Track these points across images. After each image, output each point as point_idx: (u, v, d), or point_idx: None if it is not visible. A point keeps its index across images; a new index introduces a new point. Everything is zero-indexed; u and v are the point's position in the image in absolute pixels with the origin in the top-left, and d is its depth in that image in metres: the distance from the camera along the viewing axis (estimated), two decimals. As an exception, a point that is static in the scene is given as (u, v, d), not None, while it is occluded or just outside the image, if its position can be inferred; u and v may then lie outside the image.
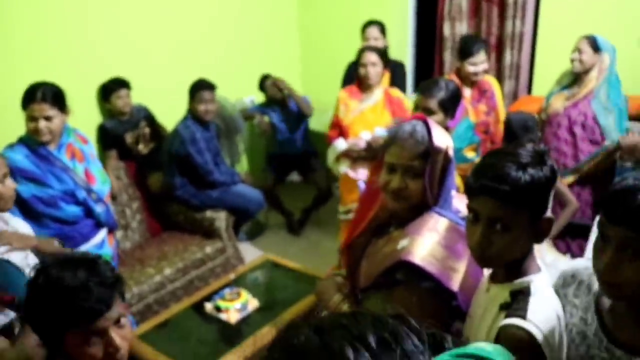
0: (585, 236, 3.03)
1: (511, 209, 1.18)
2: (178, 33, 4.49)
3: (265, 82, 4.67)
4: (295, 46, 5.70)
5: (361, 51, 3.45)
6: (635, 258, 1.07)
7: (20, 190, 2.49)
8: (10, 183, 2.10)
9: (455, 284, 1.46)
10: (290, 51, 5.63)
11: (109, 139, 3.90)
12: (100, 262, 1.35)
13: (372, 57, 3.36)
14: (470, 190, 1.25)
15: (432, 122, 1.61)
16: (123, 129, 3.93)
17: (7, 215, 2.21)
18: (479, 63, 3.38)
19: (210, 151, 3.93)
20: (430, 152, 1.52)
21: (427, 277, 1.45)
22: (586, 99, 3.28)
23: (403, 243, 1.54)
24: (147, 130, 4.05)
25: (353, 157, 3.41)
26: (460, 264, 1.50)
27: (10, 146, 2.62)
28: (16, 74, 3.33)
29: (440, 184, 1.58)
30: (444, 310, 1.49)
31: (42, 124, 2.55)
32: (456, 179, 2.43)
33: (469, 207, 1.26)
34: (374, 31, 3.96)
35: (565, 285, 1.43)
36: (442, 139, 1.55)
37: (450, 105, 2.53)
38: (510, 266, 1.27)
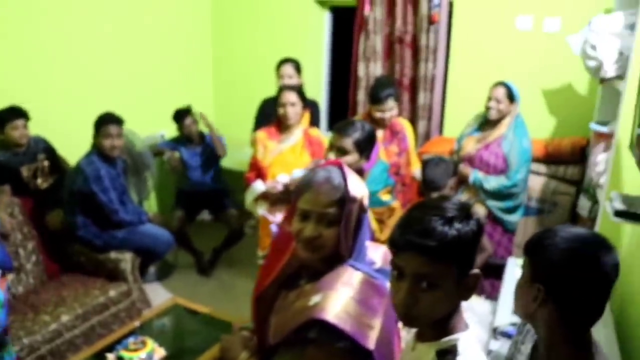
0: (496, 275, 3.09)
1: (438, 265, 1.13)
2: (85, 61, 4.30)
3: (184, 116, 4.50)
4: (208, 81, 5.60)
5: (280, 90, 3.39)
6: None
7: None
8: None
9: (371, 342, 1.39)
10: (203, 86, 5.52)
11: (2, 173, 3.60)
12: None
13: (291, 97, 3.30)
14: (394, 246, 1.18)
15: (348, 169, 1.56)
16: (19, 162, 3.64)
17: None
18: (387, 110, 3.42)
19: (116, 189, 3.70)
20: (345, 200, 1.47)
21: (341, 336, 1.36)
22: (496, 141, 3.39)
23: (315, 299, 1.45)
24: (46, 163, 3.77)
25: (271, 199, 3.31)
26: (375, 320, 1.43)
27: None
28: None
29: (354, 235, 1.51)
30: None
31: None
32: (372, 223, 2.40)
33: (393, 264, 1.19)
34: (288, 69, 3.92)
35: (518, 333, 1.60)
36: (357, 187, 1.50)
37: (366, 145, 2.51)
38: (437, 324, 1.21)
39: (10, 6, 3.77)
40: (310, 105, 3.92)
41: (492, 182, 3.39)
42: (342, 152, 2.49)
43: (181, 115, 4.52)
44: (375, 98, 3.41)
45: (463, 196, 3.45)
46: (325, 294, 1.44)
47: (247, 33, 5.31)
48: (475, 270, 1.18)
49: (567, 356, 1.34)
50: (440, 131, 4.58)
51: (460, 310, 1.24)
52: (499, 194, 3.40)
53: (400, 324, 1.57)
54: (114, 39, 4.50)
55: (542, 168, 3.92)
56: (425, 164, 3.11)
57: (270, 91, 3.97)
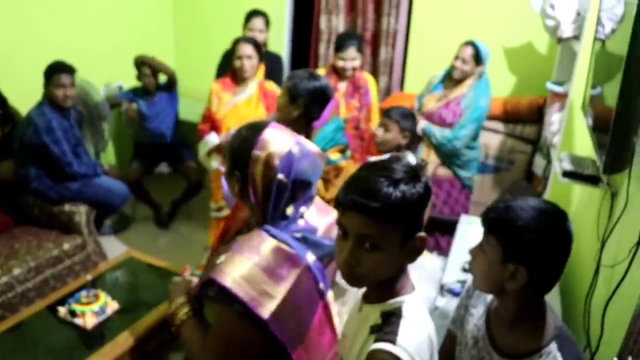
0: (452, 231, 3.15)
1: (381, 226, 1.11)
2: (38, 6, 4.10)
3: (140, 65, 4.38)
4: (169, 32, 5.44)
5: (236, 42, 3.32)
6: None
7: None
8: None
9: (266, 310, 1.42)
10: (164, 37, 5.36)
11: None
12: None
13: (247, 49, 3.24)
14: (339, 205, 1.17)
15: (274, 125, 1.56)
16: None
17: None
18: (349, 59, 3.39)
19: (69, 141, 3.61)
20: (247, 159, 1.49)
21: (235, 300, 1.41)
22: (456, 99, 3.39)
23: (221, 259, 1.49)
24: None
25: (225, 152, 3.27)
26: (278, 289, 1.45)
27: None
28: None
29: (265, 197, 1.51)
30: (257, 335, 1.45)
31: None
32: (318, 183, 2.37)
33: (339, 223, 1.18)
34: (259, 22, 3.81)
35: (467, 296, 1.60)
36: (265, 145, 1.49)
37: (310, 100, 2.44)
38: (382, 285, 1.21)
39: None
40: (273, 59, 3.85)
41: (437, 134, 3.39)
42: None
43: (137, 65, 4.39)
44: (338, 46, 3.38)
45: (422, 151, 3.45)
46: (229, 255, 1.47)
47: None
48: (422, 233, 1.17)
49: (534, 318, 1.37)
50: (401, 87, 4.57)
51: (407, 272, 1.24)
52: (448, 150, 3.40)
53: (331, 296, 1.59)
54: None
55: (500, 126, 3.97)
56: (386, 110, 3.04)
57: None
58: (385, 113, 2.90)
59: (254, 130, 1.53)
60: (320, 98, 2.42)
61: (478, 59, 3.35)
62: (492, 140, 3.95)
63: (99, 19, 4.55)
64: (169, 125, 4.50)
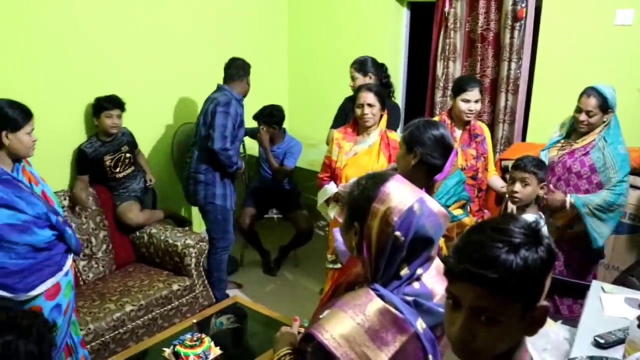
0: (574, 295, 2.84)
1: (500, 299, 0.96)
2: (168, 57, 4.35)
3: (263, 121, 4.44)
4: (284, 80, 5.56)
5: (358, 90, 3.26)
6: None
7: None
8: None
9: None
10: (278, 85, 5.49)
11: (87, 163, 3.71)
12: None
13: (369, 97, 3.15)
14: (450, 273, 1.02)
15: (398, 178, 1.46)
16: (104, 152, 3.74)
17: None
18: (472, 101, 3.22)
19: None
20: (365, 209, 1.41)
21: (332, 359, 1.32)
22: (583, 147, 3.10)
23: (325, 313, 1.41)
24: (128, 155, 3.85)
25: (343, 202, 3.19)
26: (380, 354, 1.32)
27: None
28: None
29: (379, 254, 1.39)
30: None
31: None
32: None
33: (448, 292, 1.04)
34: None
35: None
36: (386, 198, 1.39)
37: (429, 150, 2.30)
38: (498, 359, 1.04)
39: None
40: (391, 108, 3.75)
41: (594, 200, 3.02)
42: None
43: (261, 114, 4.46)
44: (461, 87, 3.24)
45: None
46: (333, 311, 1.39)
47: (323, 31, 5.22)
48: (544, 302, 1.00)
49: None
50: (524, 137, 4.31)
51: (525, 343, 1.07)
52: (603, 210, 3.05)
53: None
54: (196, 38, 4.55)
55: (638, 180, 3.57)
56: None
57: (346, 90, 3.87)
58: (517, 166, 2.71)
59: (375, 182, 1.44)
60: (439, 147, 2.27)
61: (605, 106, 3.01)
62: (629, 197, 3.57)
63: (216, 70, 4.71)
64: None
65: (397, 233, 1.36)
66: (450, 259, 1.01)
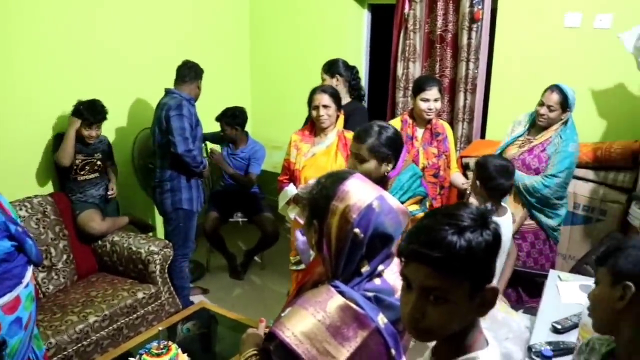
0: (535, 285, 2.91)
1: (446, 278, 1.01)
2: (125, 61, 4.28)
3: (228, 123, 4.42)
4: (245, 81, 5.53)
5: (312, 92, 3.28)
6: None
7: None
8: None
9: None
10: (241, 87, 5.46)
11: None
12: None
13: (324, 99, 3.18)
14: (402, 255, 1.08)
15: (358, 177, 1.49)
16: (78, 150, 3.69)
17: None
18: (432, 100, 3.27)
19: None
20: (322, 209, 1.43)
21: (294, 357, 1.33)
22: (541, 145, 3.20)
23: (286, 312, 1.42)
24: (98, 163, 3.80)
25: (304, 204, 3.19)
26: (342, 350, 1.34)
27: None
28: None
29: (338, 251, 1.41)
30: None
31: None
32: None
33: (402, 274, 1.09)
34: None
35: (579, 352, 1.62)
36: (345, 196, 1.42)
37: (385, 152, 2.35)
38: (452, 341, 1.10)
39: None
40: (358, 111, 3.76)
41: (526, 180, 3.19)
42: (360, 159, 2.36)
43: (222, 116, 4.44)
44: (420, 87, 3.30)
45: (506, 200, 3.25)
46: (294, 309, 1.40)
47: (285, 32, 5.22)
48: (492, 284, 1.06)
49: None
50: (482, 134, 4.39)
51: (479, 326, 1.12)
52: (537, 199, 3.20)
53: None
54: (155, 37, 4.49)
55: (590, 174, 3.70)
56: (483, 161, 2.85)
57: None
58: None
59: (334, 180, 1.46)
60: (394, 146, 2.37)
61: (565, 104, 3.15)
62: (581, 189, 3.68)
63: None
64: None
65: (356, 230, 1.38)
66: (402, 242, 1.07)
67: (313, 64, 3.95)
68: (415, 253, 1.03)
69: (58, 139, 3.71)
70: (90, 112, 3.63)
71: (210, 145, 4.64)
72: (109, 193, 3.88)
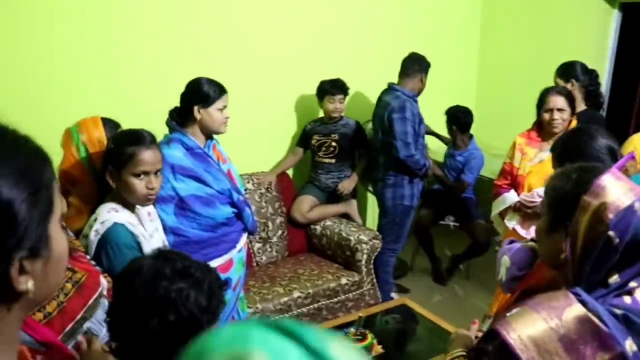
0: None
1: None
2: (344, 53, 4.36)
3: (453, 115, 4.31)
4: (471, 84, 5.31)
5: (545, 93, 3.00)
6: None
7: (178, 188, 2.48)
8: (160, 177, 2.03)
9: None
10: (465, 89, 5.24)
11: (304, 137, 3.99)
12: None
13: (559, 101, 2.90)
14: None
15: (613, 172, 1.24)
16: (316, 130, 3.92)
17: (152, 209, 2.15)
18: None
19: None
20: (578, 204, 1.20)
21: None
22: None
23: (514, 310, 1.23)
24: (334, 144, 3.90)
25: (525, 213, 2.94)
26: None
27: (166, 142, 2.50)
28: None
29: (584, 255, 1.20)
30: None
31: (226, 113, 2.57)
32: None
33: None
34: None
35: None
36: (601, 192, 1.19)
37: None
38: None
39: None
40: (594, 120, 3.38)
41: None
42: None
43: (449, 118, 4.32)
44: None
45: None
46: (522, 309, 1.21)
47: (519, 31, 4.86)
48: None
49: None
50: None
51: None
52: None
53: None
54: (380, 33, 4.52)
55: None
56: None
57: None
58: None
59: (587, 173, 1.25)
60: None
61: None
62: None
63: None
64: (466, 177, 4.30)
65: (611, 233, 1.16)
66: None
67: (547, 67, 3.61)
68: None
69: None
70: (333, 85, 3.77)
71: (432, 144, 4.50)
72: (338, 188, 3.92)
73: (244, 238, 2.75)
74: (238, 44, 3.74)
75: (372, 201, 4.51)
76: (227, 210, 2.62)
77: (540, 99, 3.02)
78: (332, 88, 3.77)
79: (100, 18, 3.25)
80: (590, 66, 3.55)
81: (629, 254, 1.18)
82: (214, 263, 2.53)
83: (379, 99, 3.77)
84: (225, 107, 2.57)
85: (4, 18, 2.98)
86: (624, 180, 1.25)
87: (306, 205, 3.88)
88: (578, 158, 2.06)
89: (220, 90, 2.55)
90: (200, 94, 2.51)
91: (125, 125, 2.14)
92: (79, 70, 3.24)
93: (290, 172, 4.15)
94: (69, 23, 3.16)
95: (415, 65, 3.73)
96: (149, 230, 2.04)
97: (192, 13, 3.53)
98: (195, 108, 2.51)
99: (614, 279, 1.20)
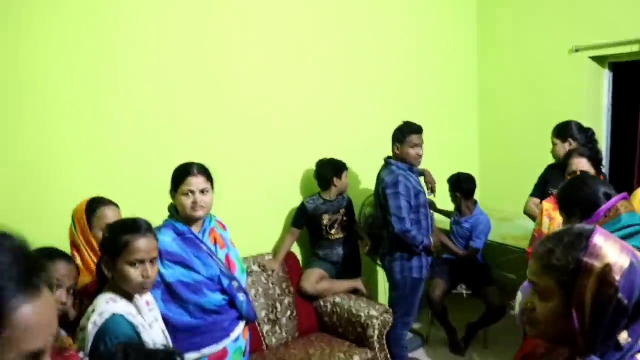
0: None
1: None
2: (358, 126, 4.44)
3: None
4: (474, 148, 5.36)
5: (568, 156, 3.02)
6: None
7: (164, 274, 2.42)
8: (156, 266, 2.01)
9: None
10: (469, 154, 5.28)
11: (307, 218, 3.93)
12: None
13: (582, 163, 2.91)
14: None
15: (600, 230, 1.19)
16: (324, 209, 3.93)
17: (151, 298, 2.13)
18: None
19: None
20: (579, 269, 1.14)
21: None
22: None
23: None
24: (344, 218, 3.99)
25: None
26: None
27: (158, 229, 2.45)
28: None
29: (597, 321, 1.12)
30: None
31: (199, 197, 2.46)
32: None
33: None
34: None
35: None
36: (600, 252, 1.14)
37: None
38: None
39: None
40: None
41: None
42: None
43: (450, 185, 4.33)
44: None
45: None
46: None
47: (515, 96, 4.99)
48: None
49: None
50: None
51: None
52: None
53: None
54: (382, 101, 4.60)
55: None
56: None
57: (545, 158, 3.64)
58: None
59: (578, 234, 1.20)
60: None
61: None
62: None
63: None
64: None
65: (620, 295, 1.12)
66: None
67: (546, 128, 3.65)
68: None
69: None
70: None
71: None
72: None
73: (240, 326, 2.61)
74: (236, 123, 3.77)
75: (382, 275, 4.44)
76: (217, 298, 2.51)
77: (564, 161, 3.04)
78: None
79: (95, 106, 3.24)
80: (586, 125, 3.59)
81: (635, 311, 1.13)
82: (204, 352, 2.45)
83: (377, 175, 3.79)
84: (190, 190, 2.47)
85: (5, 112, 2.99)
86: (611, 236, 1.21)
87: (316, 277, 3.85)
88: (577, 204, 2.08)
89: (184, 172, 2.49)
90: (172, 179, 2.53)
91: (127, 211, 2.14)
92: (77, 161, 3.21)
93: (295, 248, 4.13)
94: (64, 115, 3.14)
95: (396, 134, 3.71)
96: (148, 319, 2.00)
97: (191, 100, 3.59)
98: (171, 194, 2.54)
99: (624, 338, 1.14)
